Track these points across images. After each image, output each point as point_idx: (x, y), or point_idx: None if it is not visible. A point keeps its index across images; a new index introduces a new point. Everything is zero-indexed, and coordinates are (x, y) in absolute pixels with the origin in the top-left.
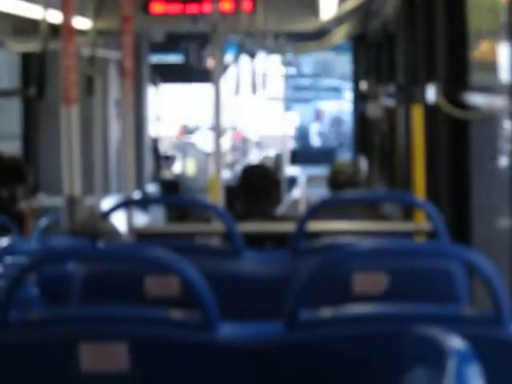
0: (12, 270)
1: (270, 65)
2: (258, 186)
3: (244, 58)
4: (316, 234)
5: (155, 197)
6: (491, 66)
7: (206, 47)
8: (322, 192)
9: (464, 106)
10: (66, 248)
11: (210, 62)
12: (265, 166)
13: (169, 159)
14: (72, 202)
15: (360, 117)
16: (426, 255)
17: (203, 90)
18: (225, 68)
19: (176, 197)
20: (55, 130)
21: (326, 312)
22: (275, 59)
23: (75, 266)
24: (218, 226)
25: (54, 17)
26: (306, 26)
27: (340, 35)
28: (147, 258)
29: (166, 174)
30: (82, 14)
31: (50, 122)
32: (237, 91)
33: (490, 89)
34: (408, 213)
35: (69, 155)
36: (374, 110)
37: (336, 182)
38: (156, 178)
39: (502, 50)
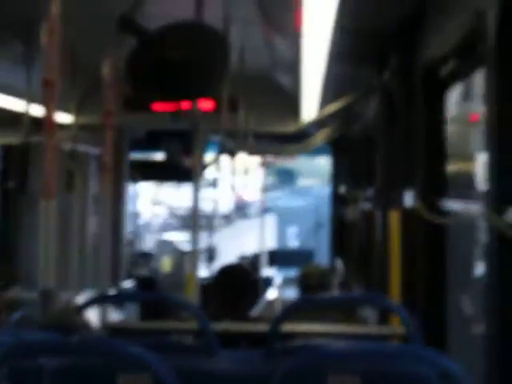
0: None
1: (249, 165)
2: (234, 286)
3: (224, 158)
4: (291, 335)
5: (130, 293)
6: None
7: (187, 146)
8: (298, 294)
9: (441, 212)
10: (38, 341)
11: (190, 161)
12: (242, 265)
13: (146, 256)
14: (46, 296)
15: (338, 219)
16: (399, 359)
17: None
18: (204, 167)
19: (150, 294)
20: (33, 222)
21: None
22: (255, 160)
23: (47, 360)
24: (192, 324)
25: (36, 110)
26: (287, 128)
27: (320, 138)
28: (120, 353)
29: (143, 271)
30: (64, 108)
31: (28, 214)
32: (215, 190)
33: (466, 196)
34: (384, 316)
35: (45, 249)
36: (352, 213)
37: (306, 284)
38: (132, 274)
39: (479, 161)
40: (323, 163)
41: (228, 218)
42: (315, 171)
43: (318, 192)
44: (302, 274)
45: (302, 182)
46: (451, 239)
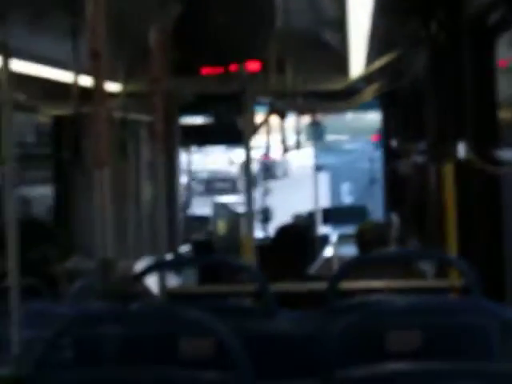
0: (46, 333)
1: (300, 125)
2: (291, 246)
3: (274, 119)
4: (349, 293)
5: (187, 258)
6: None
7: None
8: (354, 251)
9: (495, 162)
10: (99, 311)
11: (240, 123)
12: (298, 225)
13: (201, 220)
14: (105, 265)
15: (391, 175)
16: (460, 312)
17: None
18: (256, 129)
19: (208, 258)
20: (88, 192)
21: (362, 370)
22: (305, 119)
23: (109, 329)
24: (251, 286)
25: (85, 81)
26: (335, 85)
27: (369, 94)
28: (180, 319)
29: (199, 235)
30: (113, 77)
31: (82, 185)
32: (267, 152)
33: None
34: (442, 269)
35: (101, 218)
36: (404, 168)
37: (363, 241)
38: (188, 239)
39: None
40: (350, 118)
41: (254, 180)
42: (341, 127)
43: (352, 148)
44: (358, 230)
45: (329, 137)
46: (507, 189)
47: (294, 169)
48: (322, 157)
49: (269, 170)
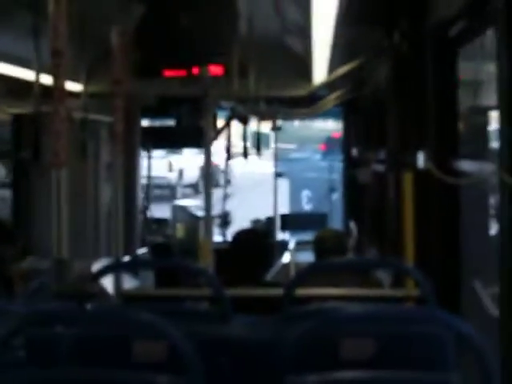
0: None
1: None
2: (248, 251)
3: (235, 123)
4: (305, 300)
5: (144, 260)
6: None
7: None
8: (312, 257)
9: (454, 173)
10: (53, 310)
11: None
12: (256, 230)
13: (160, 222)
14: (60, 265)
15: (350, 182)
16: (414, 321)
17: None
18: (217, 133)
19: (165, 261)
20: (45, 192)
21: (314, 377)
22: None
23: (62, 329)
24: (207, 290)
25: (46, 80)
26: (298, 91)
27: (331, 101)
28: (135, 321)
29: (157, 238)
30: (74, 77)
31: (41, 184)
32: (228, 156)
33: (479, 156)
34: (399, 279)
35: (58, 218)
36: (364, 176)
37: (321, 248)
38: (146, 241)
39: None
40: (297, 127)
41: (195, 188)
42: (288, 135)
43: (299, 157)
44: (316, 237)
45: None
46: (465, 200)
47: (237, 177)
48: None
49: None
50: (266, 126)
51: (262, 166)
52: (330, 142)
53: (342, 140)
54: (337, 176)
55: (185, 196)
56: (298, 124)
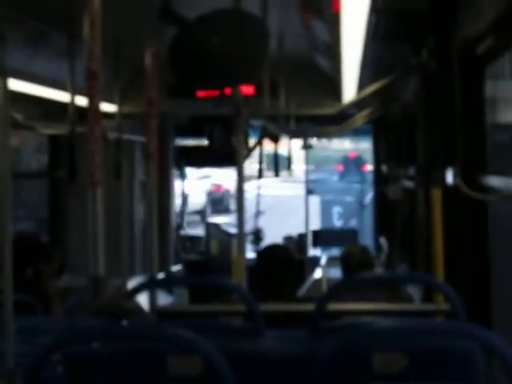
0: (38, 349)
1: (292, 148)
2: (276, 267)
3: (267, 142)
4: (336, 315)
5: (178, 277)
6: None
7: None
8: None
9: (482, 189)
10: (90, 327)
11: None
12: (285, 246)
13: (194, 239)
14: (96, 282)
15: (381, 199)
16: (444, 334)
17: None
18: (249, 151)
19: (198, 278)
20: (81, 211)
21: None
22: (297, 143)
23: (100, 345)
24: (240, 306)
25: (81, 101)
26: (328, 110)
27: (360, 119)
28: (169, 337)
29: (191, 255)
30: (108, 98)
31: (76, 203)
32: (260, 174)
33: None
34: (428, 294)
35: (94, 236)
36: (394, 192)
37: (347, 264)
38: (180, 258)
39: None
40: (313, 148)
41: (203, 214)
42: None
43: (316, 178)
44: (343, 253)
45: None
46: (494, 215)
47: (252, 202)
48: (287, 187)
49: (220, 202)
50: (296, 145)
51: (276, 188)
52: (346, 162)
53: (357, 159)
54: (353, 198)
55: (191, 224)
56: (314, 144)
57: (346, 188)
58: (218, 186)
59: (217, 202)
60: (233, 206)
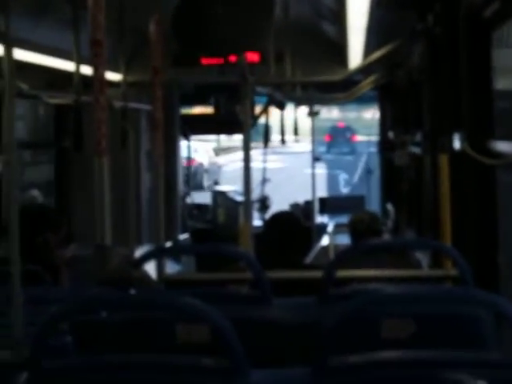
0: (45, 318)
1: (298, 115)
2: (284, 234)
3: (273, 109)
4: (344, 281)
5: (185, 246)
6: None
7: (235, 98)
8: (349, 240)
9: (490, 154)
10: (97, 296)
11: (239, 113)
12: (293, 213)
13: (201, 208)
14: (103, 251)
15: (387, 165)
16: (453, 300)
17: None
18: (255, 119)
19: (205, 246)
20: (88, 180)
21: (355, 358)
22: (303, 110)
23: (107, 314)
24: (247, 273)
25: (86, 70)
26: (334, 76)
27: (366, 85)
28: (178, 305)
29: (198, 223)
30: (113, 67)
31: (82, 172)
32: (266, 142)
33: None
34: (436, 259)
35: (100, 206)
36: (401, 159)
37: (356, 231)
38: (187, 227)
39: None
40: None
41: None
42: (289, 126)
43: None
44: (351, 220)
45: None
46: (501, 180)
47: (228, 177)
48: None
49: (194, 177)
50: (303, 112)
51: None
52: (335, 132)
53: (346, 129)
54: (343, 172)
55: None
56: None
57: (335, 160)
58: (190, 160)
59: (189, 178)
60: (206, 181)
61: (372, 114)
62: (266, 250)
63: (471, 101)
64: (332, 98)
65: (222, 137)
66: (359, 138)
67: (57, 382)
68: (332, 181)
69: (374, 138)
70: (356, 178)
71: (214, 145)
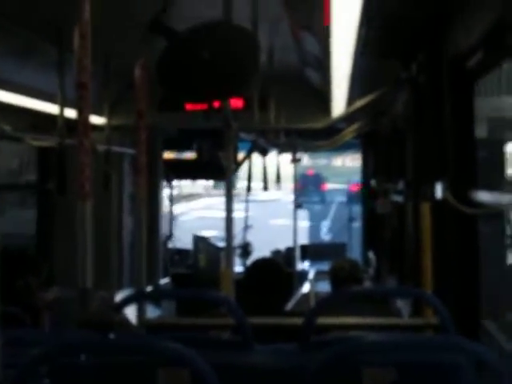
0: (24, 361)
1: (281, 162)
2: (266, 281)
3: (256, 156)
4: (325, 328)
5: (166, 290)
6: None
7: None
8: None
9: (472, 203)
10: (77, 340)
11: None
12: (273, 260)
13: (182, 253)
14: (85, 295)
15: (370, 213)
16: (434, 349)
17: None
18: (237, 165)
19: (186, 291)
20: (70, 223)
21: None
22: (286, 157)
23: (88, 358)
24: (228, 319)
25: (71, 113)
26: (318, 124)
27: (350, 133)
28: (159, 350)
29: (179, 268)
30: (98, 111)
31: (64, 215)
32: (248, 188)
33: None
34: (417, 308)
35: (82, 249)
36: (383, 207)
37: (337, 278)
38: (168, 271)
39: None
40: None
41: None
42: (259, 172)
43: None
44: (332, 267)
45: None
46: (482, 230)
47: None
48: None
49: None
50: (286, 159)
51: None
52: (304, 180)
53: (316, 177)
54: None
55: None
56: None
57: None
58: None
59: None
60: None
61: (342, 161)
62: (248, 296)
63: (454, 150)
64: (315, 146)
65: (184, 183)
66: (329, 185)
67: None
68: (303, 231)
69: (344, 187)
70: (325, 229)
71: (174, 192)
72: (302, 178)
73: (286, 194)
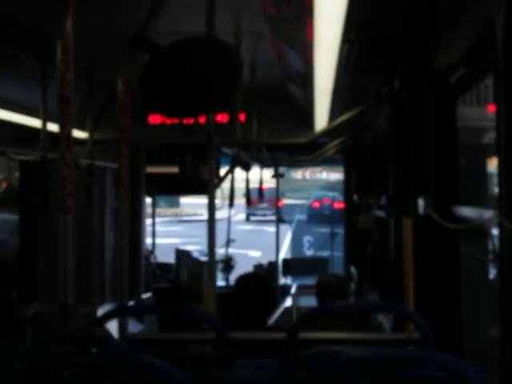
0: (4, 376)
1: (263, 177)
2: (251, 296)
3: (238, 171)
4: (307, 343)
5: (148, 305)
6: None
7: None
8: (313, 301)
9: (454, 218)
10: (58, 354)
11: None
12: (259, 275)
13: (164, 267)
14: (66, 310)
15: (351, 228)
16: (415, 364)
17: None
18: (220, 180)
19: (168, 306)
20: (52, 237)
21: None
22: (268, 172)
23: (69, 373)
24: (210, 334)
25: (53, 127)
26: (300, 139)
27: (332, 148)
28: (141, 365)
29: (161, 283)
30: (81, 125)
31: (46, 229)
32: (231, 203)
33: (479, 201)
34: (399, 322)
35: (64, 263)
36: (365, 222)
37: (324, 292)
38: (150, 286)
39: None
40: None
41: None
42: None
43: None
44: (319, 282)
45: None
46: (464, 245)
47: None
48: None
49: None
50: (268, 174)
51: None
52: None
53: (343, 186)
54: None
55: None
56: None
57: (255, 230)
58: None
59: None
60: None
61: (302, 174)
62: (230, 311)
63: (436, 165)
64: (298, 161)
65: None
66: (286, 201)
67: None
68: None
69: (305, 202)
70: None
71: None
72: (255, 193)
73: (236, 212)
